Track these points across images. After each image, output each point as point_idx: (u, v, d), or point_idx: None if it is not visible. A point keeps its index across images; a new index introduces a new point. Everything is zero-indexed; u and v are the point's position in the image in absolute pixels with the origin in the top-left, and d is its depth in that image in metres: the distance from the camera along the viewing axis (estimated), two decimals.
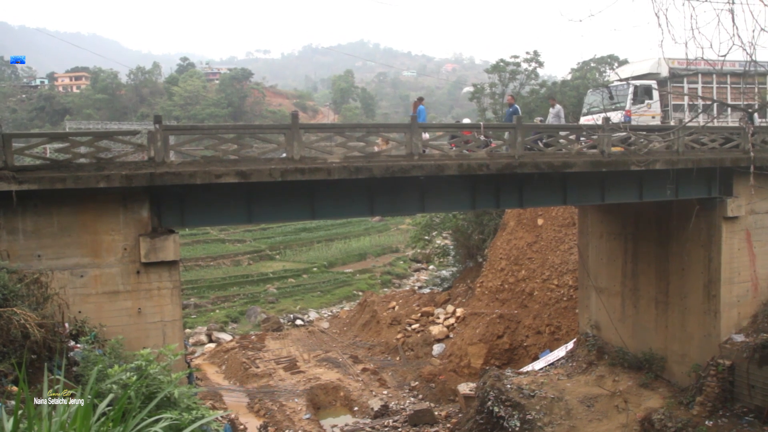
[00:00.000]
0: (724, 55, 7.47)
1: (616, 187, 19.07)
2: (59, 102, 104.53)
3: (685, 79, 22.82)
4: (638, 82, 22.06)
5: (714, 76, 22.83)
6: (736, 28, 7.35)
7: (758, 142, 19.79)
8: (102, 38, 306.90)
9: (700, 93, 22.71)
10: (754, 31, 7.38)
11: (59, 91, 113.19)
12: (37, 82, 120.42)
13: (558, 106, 21.06)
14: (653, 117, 21.71)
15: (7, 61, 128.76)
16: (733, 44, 7.46)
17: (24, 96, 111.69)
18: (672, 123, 21.65)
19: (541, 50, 50.05)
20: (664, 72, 22.50)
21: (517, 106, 20.72)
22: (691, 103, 22.74)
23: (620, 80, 23.00)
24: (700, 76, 22.77)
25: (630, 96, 21.69)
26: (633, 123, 20.44)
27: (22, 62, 21.91)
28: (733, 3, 7.37)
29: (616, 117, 21.12)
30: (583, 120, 22.97)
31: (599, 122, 19.47)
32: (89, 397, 4.23)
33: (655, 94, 21.83)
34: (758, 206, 20.23)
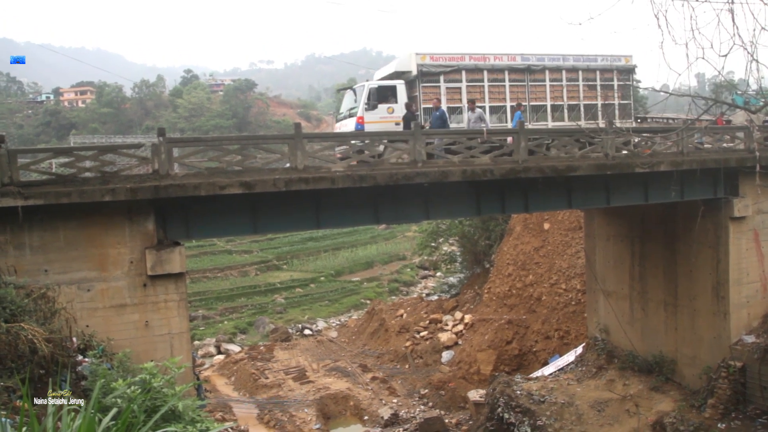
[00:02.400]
0: (726, 55, 7.45)
1: (621, 190, 19.01)
2: (65, 117, 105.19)
3: (442, 77, 19.97)
4: (375, 83, 19.52)
5: (485, 72, 20.63)
6: (737, 27, 7.34)
7: (761, 140, 19.68)
8: (106, 53, 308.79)
9: (465, 92, 20.35)
10: (754, 30, 7.37)
11: (65, 106, 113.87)
12: (43, 97, 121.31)
13: (479, 110, 18.97)
14: (397, 123, 18.70)
15: (13, 78, 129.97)
16: (734, 44, 7.44)
17: (30, 111, 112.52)
18: (427, 128, 18.49)
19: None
20: (415, 70, 19.79)
21: (444, 110, 18.91)
22: (454, 105, 20.16)
23: (383, 79, 20.54)
24: (464, 72, 20.28)
25: (363, 100, 18.88)
26: (369, 130, 18.12)
27: (22, 62, 22.00)
28: (733, 3, 7.36)
29: (349, 125, 19.13)
30: (337, 126, 20.67)
31: (349, 128, 18.44)
32: (92, 411, 4.23)
33: (403, 96, 19.23)
34: (765, 206, 20.09)
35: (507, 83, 21.08)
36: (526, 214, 30.34)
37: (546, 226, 31.21)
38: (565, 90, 21.88)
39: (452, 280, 45.92)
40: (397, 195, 16.23)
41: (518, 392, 21.60)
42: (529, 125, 19.70)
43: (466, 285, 38.42)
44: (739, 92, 25.88)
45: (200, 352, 36.03)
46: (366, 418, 26.26)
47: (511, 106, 20.89)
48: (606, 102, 22.32)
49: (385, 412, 25.79)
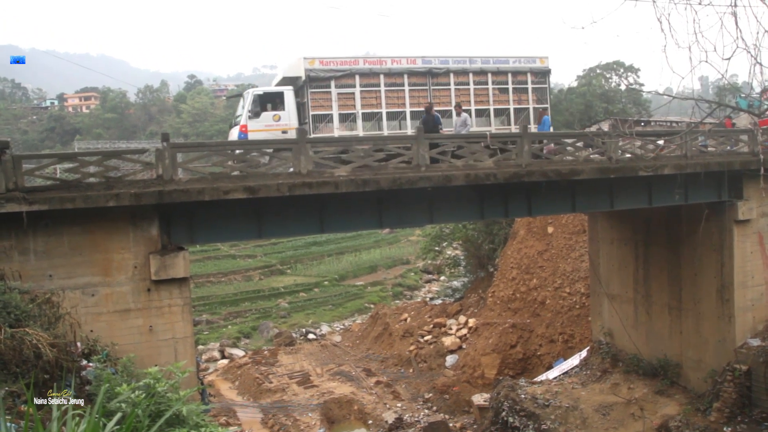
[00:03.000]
0: (729, 58, 7.43)
1: (625, 193, 18.99)
2: (69, 122, 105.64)
3: (333, 82, 19.04)
4: (260, 90, 19.10)
5: (382, 76, 19.56)
6: (740, 30, 7.32)
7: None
8: (111, 59, 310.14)
9: (359, 98, 19.36)
10: (758, 33, 7.35)
11: (69, 112, 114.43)
12: (47, 103, 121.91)
13: (464, 114, 18.83)
14: (284, 131, 18.11)
15: (18, 84, 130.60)
16: (737, 47, 7.43)
17: (34, 117, 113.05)
18: (314, 135, 18.24)
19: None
20: (304, 75, 18.90)
21: (437, 114, 18.59)
22: (347, 112, 19.26)
23: (278, 85, 19.81)
24: (358, 77, 19.28)
25: (247, 107, 18.35)
26: (254, 139, 17.48)
27: (22, 62, 21.98)
28: (736, 6, 7.36)
29: (233, 134, 18.58)
30: (230, 135, 19.75)
31: (233, 137, 17.74)
32: (97, 416, 4.24)
33: (291, 102, 18.68)
34: None
35: (407, 88, 19.93)
36: (530, 217, 30.30)
37: (550, 229, 31.17)
38: (472, 94, 20.73)
39: (456, 284, 45.88)
40: (400, 199, 16.25)
41: (522, 396, 21.55)
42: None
43: (470, 289, 38.38)
44: (742, 95, 25.83)
45: (204, 357, 36.04)
46: (370, 422, 26.21)
47: (411, 111, 19.87)
48: (519, 106, 21.32)
49: (390, 417, 25.75)
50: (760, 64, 7.82)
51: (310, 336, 41.12)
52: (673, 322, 21.73)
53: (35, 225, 12.37)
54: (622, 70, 50.46)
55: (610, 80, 50.21)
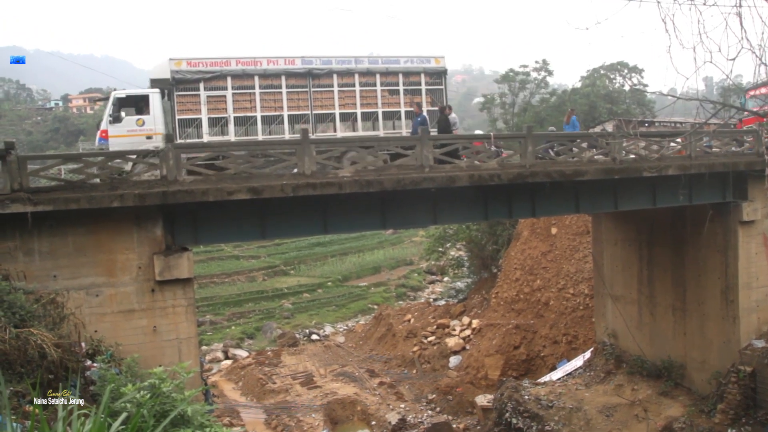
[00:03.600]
0: (734, 58, 7.40)
1: (629, 194, 18.96)
2: (73, 123, 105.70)
3: (202, 85, 17.99)
4: (123, 93, 17.72)
5: (257, 77, 18.48)
6: (745, 31, 7.30)
7: None
8: (114, 59, 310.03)
9: (230, 101, 18.28)
10: (762, 33, 7.33)
11: (73, 113, 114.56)
12: (52, 104, 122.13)
13: (453, 114, 18.35)
14: (149, 137, 16.87)
15: (22, 85, 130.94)
16: (742, 47, 7.41)
17: (39, 118, 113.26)
18: (181, 141, 17.18)
19: (550, 59, 49.99)
20: (170, 77, 17.84)
21: (426, 115, 18.08)
22: (218, 116, 18.27)
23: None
24: (229, 79, 18.23)
25: (108, 111, 17.11)
26: (114, 147, 16.17)
27: (22, 62, 21.96)
28: (741, 6, 7.34)
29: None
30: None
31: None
32: (102, 416, 4.25)
33: (157, 106, 17.45)
34: None
35: (284, 90, 18.84)
36: (534, 218, 30.27)
37: (553, 230, 31.14)
38: (358, 96, 19.69)
39: (460, 284, 45.88)
40: (404, 200, 16.24)
41: (526, 397, 21.54)
42: (314, 136, 17.86)
43: (474, 290, 38.36)
44: (747, 96, 25.78)
45: (208, 358, 36.07)
46: (373, 423, 26.21)
47: (290, 115, 18.88)
48: (412, 109, 19.76)
49: (393, 418, 25.75)
50: (765, 65, 7.80)
51: (314, 337, 41.13)
52: (677, 323, 21.68)
53: (40, 225, 12.41)
54: (626, 71, 50.37)
55: (614, 81, 50.11)
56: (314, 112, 19.25)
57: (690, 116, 24.85)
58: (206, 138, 17.95)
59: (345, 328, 43.40)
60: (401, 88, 20.24)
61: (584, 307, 28.09)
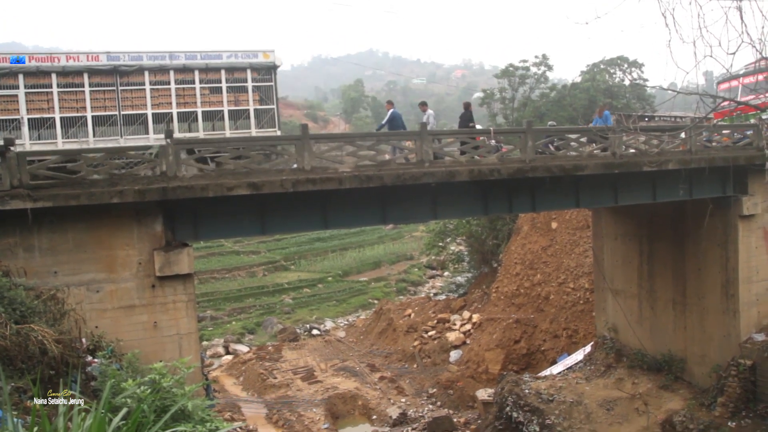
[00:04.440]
0: (734, 53, 7.39)
1: (629, 189, 18.95)
2: None
3: None
4: None
5: (54, 75, 16.90)
6: (745, 25, 7.30)
7: None
8: None
9: (23, 100, 16.84)
10: (763, 27, 7.33)
11: None
12: None
13: (429, 111, 17.99)
14: None
15: None
16: (742, 42, 7.41)
17: None
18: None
19: (550, 54, 49.97)
20: None
21: (397, 111, 17.77)
22: (9, 117, 16.82)
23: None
24: (21, 76, 16.72)
25: None
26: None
27: (22, 62, 21.97)
28: (741, 0, 7.33)
29: None
30: None
31: None
32: (103, 411, 4.26)
33: None
34: None
35: (87, 88, 17.44)
36: (534, 213, 30.28)
37: (554, 225, 31.14)
38: (174, 95, 18.53)
39: (460, 279, 45.88)
40: (404, 195, 16.23)
41: (527, 391, 21.56)
42: (123, 140, 16.87)
43: (474, 284, 38.38)
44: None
45: (209, 353, 36.12)
46: (374, 417, 26.28)
47: (94, 116, 17.53)
48: (237, 108, 19.37)
49: (394, 412, 25.80)
50: (766, 59, 7.80)
51: (314, 332, 41.17)
52: (678, 317, 21.70)
53: (40, 222, 12.42)
54: (626, 66, 50.28)
55: (614, 75, 50.04)
56: (123, 112, 17.97)
57: (690, 110, 24.82)
58: None
59: (345, 323, 43.43)
60: (224, 85, 19.20)
61: (584, 301, 28.12)
